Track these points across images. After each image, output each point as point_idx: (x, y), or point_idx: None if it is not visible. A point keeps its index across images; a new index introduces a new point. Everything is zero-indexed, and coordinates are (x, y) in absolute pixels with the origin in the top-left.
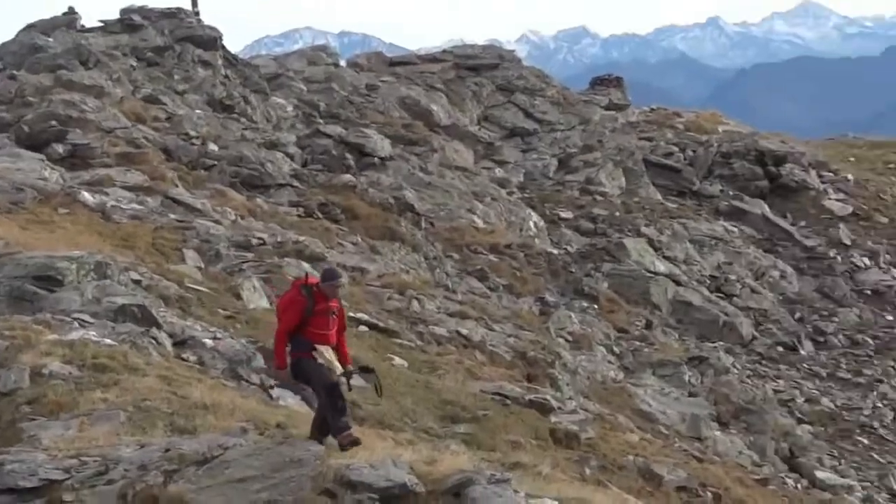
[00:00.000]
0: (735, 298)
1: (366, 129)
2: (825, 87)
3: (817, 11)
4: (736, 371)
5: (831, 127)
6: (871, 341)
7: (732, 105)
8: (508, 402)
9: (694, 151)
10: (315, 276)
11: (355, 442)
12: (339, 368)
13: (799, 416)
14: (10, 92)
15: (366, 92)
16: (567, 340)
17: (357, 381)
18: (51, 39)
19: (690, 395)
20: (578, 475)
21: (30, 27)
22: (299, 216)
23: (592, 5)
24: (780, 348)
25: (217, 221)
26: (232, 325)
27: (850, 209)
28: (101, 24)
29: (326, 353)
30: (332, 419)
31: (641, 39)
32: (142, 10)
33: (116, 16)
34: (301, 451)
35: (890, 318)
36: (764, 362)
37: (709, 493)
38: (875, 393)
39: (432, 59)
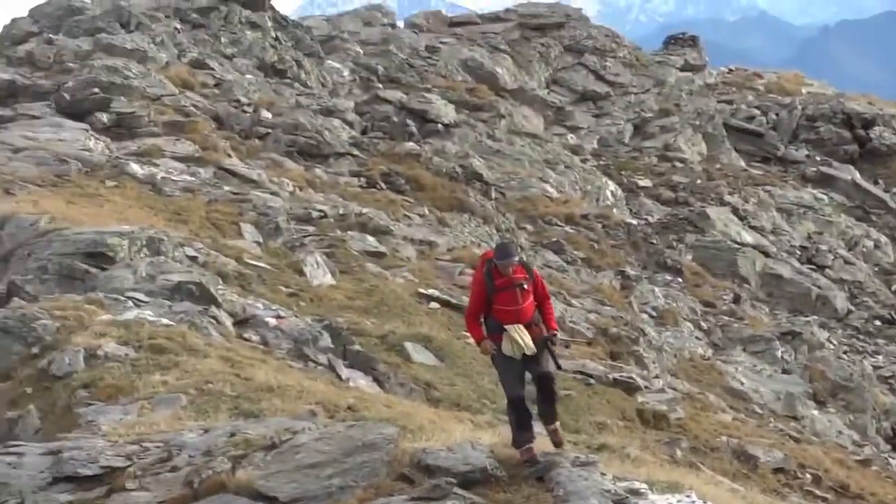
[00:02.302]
0: (827, 270)
1: (428, 94)
2: None
3: None
4: (832, 346)
5: None
6: None
7: (815, 65)
8: (592, 381)
9: (777, 115)
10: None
11: (531, 461)
12: (527, 348)
13: None
14: (47, 57)
15: (426, 54)
16: (651, 316)
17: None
18: (89, 1)
19: (784, 372)
20: (669, 457)
21: None
22: (361, 187)
23: None
24: (877, 322)
25: (274, 193)
26: (295, 302)
27: None
28: None
29: (515, 334)
30: (512, 432)
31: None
32: None
33: None
34: (374, 435)
35: None
36: (861, 337)
37: (808, 475)
38: None
39: (495, 18)
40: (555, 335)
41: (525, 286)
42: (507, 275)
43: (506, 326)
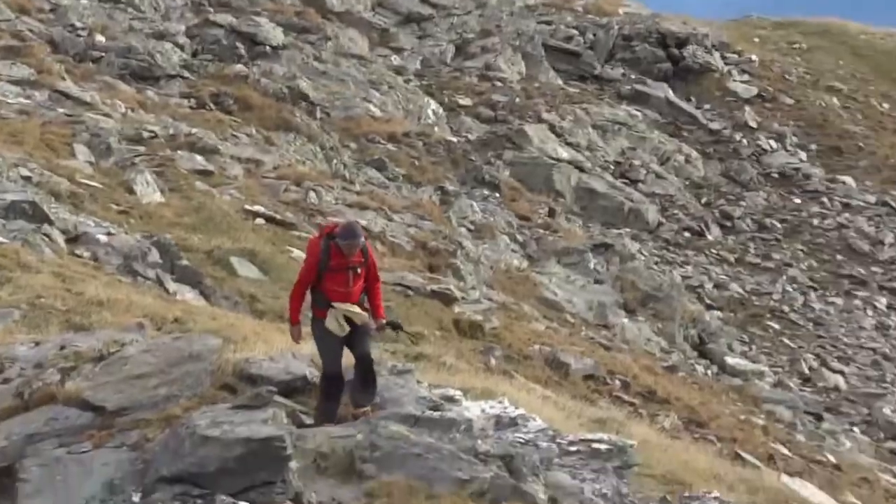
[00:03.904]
0: (640, 184)
1: (257, 18)
2: None
3: None
4: (642, 257)
5: (731, 8)
6: (779, 225)
7: None
8: (410, 292)
9: (594, 35)
10: (330, 223)
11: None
12: (357, 317)
13: (708, 301)
14: None
15: None
16: (469, 230)
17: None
18: None
19: (596, 282)
20: (483, 365)
21: None
22: (191, 108)
23: None
24: (686, 234)
25: (107, 115)
26: (126, 220)
27: (755, 91)
28: None
29: (341, 314)
30: (319, 402)
31: None
32: None
33: None
34: (199, 346)
35: (798, 200)
36: (671, 248)
37: (617, 381)
38: (784, 277)
39: None
40: (384, 326)
41: (359, 270)
42: (350, 255)
43: (333, 304)
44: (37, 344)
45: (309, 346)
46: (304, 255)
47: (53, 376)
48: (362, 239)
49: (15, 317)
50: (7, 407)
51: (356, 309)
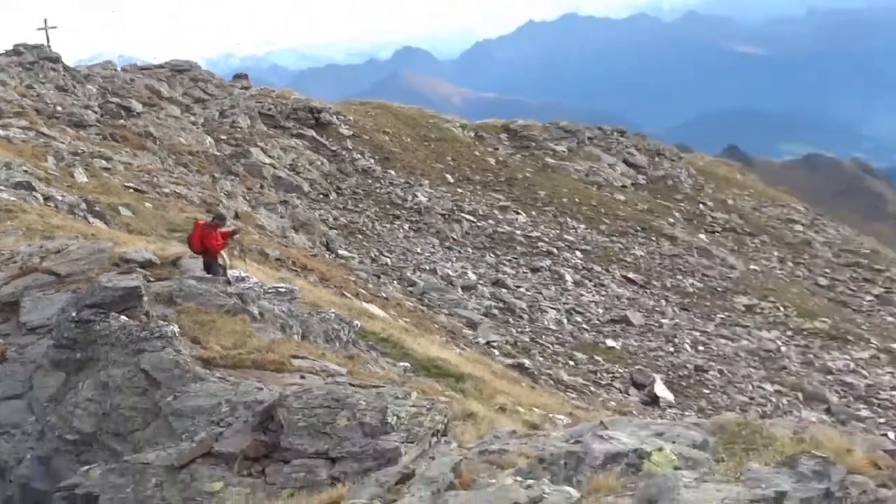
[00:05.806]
0: (301, 174)
1: (131, 99)
2: (346, 82)
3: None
4: (301, 207)
5: (345, 93)
6: (362, 192)
7: (306, 91)
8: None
9: (279, 107)
10: (202, 219)
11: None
12: (228, 261)
13: (331, 226)
14: None
15: (129, 82)
16: (225, 194)
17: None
18: None
19: (281, 217)
20: (238, 255)
21: None
22: (101, 139)
23: (241, 29)
24: (321, 195)
25: (62, 142)
26: (70, 190)
27: (352, 133)
28: (4, 52)
29: (224, 255)
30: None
31: (260, 58)
32: (24, 45)
33: (11, 47)
34: (103, 245)
35: (370, 181)
36: (315, 202)
37: (290, 261)
38: (364, 215)
39: (160, 66)
40: (232, 234)
41: (222, 232)
42: (223, 227)
43: (221, 252)
44: (29, 244)
45: (154, 246)
46: (151, 207)
47: (36, 259)
48: (229, 222)
49: (19, 234)
50: (15, 273)
51: (226, 255)
